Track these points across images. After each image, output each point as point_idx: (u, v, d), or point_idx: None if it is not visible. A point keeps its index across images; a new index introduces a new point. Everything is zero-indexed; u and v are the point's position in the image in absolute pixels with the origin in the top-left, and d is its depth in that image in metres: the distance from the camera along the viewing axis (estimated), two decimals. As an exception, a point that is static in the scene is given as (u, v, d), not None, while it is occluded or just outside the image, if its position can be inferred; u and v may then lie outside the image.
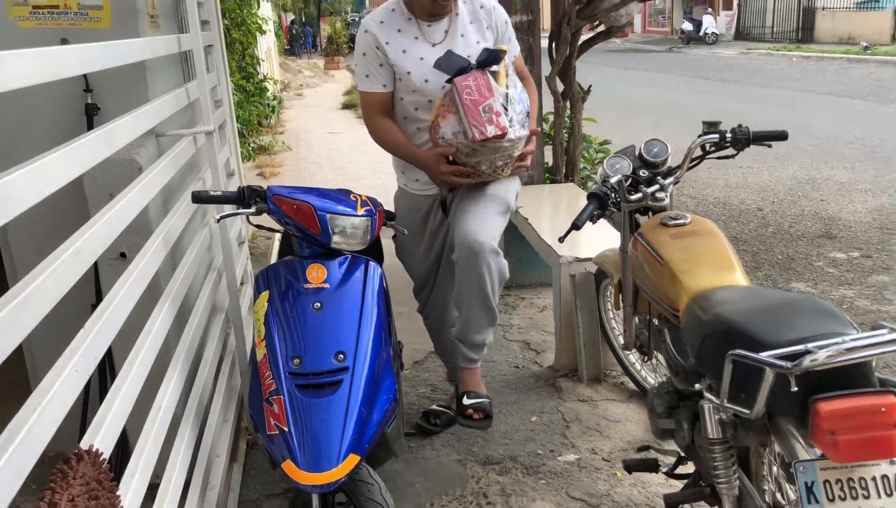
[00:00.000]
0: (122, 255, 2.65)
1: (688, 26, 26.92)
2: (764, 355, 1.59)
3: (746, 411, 1.67)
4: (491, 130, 2.34)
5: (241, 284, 3.75)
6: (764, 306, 1.87)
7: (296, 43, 35.56)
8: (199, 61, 2.92)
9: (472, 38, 2.66)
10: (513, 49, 2.72)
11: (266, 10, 14.88)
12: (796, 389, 1.52)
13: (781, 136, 2.73)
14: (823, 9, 24.10)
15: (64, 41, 2.72)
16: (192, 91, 2.97)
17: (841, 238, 5.43)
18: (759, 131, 2.74)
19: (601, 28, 5.40)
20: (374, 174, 8.51)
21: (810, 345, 1.57)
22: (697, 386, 2.00)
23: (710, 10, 27.99)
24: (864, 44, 19.85)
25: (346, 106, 15.06)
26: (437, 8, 2.58)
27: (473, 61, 2.50)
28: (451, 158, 2.52)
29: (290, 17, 39.17)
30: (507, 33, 2.74)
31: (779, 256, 5.16)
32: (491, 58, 2.43)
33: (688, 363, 2.15)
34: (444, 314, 3.05)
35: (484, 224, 2.56)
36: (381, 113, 2.70)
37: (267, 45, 14.54)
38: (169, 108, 2.75)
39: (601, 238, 3.50)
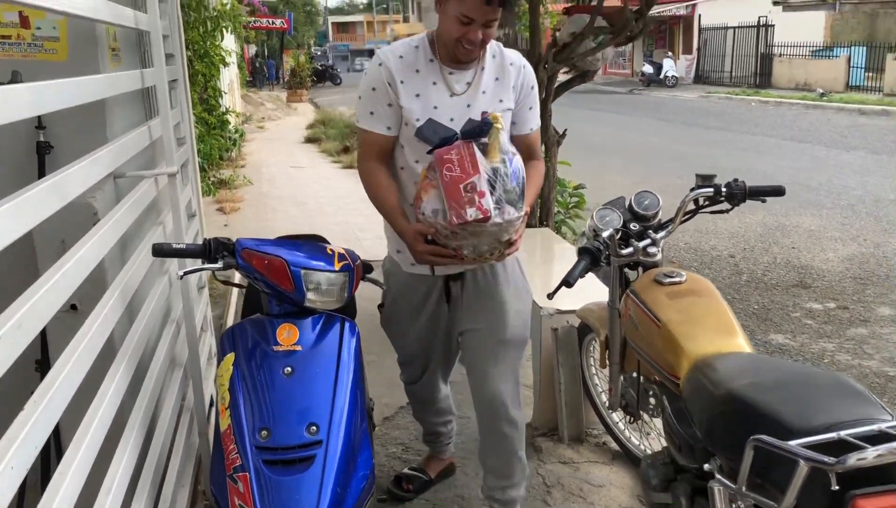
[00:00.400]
0: (73, 307, 2.42)
1: (648, 69, 27.37)
2: (795, 444, 1.44)
3: (772, 503, 1.51)
4: (471, 214, 1.97)
5: (202, 330, 3.52)
6: (783, 382, 1.72)
7: (258, 75, 35.37)
8: (164, 98, 2.72)
9: (494, 95, 2.34)
10: (529, 121, 2.44)
11: (229, 42, 14.69)
12: (837, 488, 1.36)
13: (778, 191, 2.62)
14: (780, 55, 24.69)
15: (15, 74, 2.50)
16: (154, 129, 2.77)
17: (816, 288, 5.38)
18: (756, 187, 2.63)
19: (574, 72, 5.33)
20: (338, 210, 8.32)
21: (845, 433, 1.43)
22: (707, 466, 1.84)
23: (669, 53, 28.51)
24: (820, 90, 20.33)
25: (308, 140, 14.87)
26: (461, 54, 2.25)
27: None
28: (430, 237, 2.14)
29: (253, 49, 39.03)
30: (529, 100, 2.41)
31: (755, 305, 5.07)
32: (477, 129, 2.08)
33: (692, 438, 1.99)
34: (432, 393, 2.86)
35: (504, 380, 2.45)
36: (377, 159, 2.38)
37: (229, 78, 14.34)
38: (130, 148, 2.55)
39: (585, 290, 3.36)
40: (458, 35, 2.16)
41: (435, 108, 2.28)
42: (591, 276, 3.56)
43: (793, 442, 1.44)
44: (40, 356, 2.48)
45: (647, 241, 2.60)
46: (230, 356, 2.09)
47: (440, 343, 2.64)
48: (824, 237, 6.66)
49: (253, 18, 28.02)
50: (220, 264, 2.06)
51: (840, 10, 27.73)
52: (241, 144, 12.52)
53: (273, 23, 35.20)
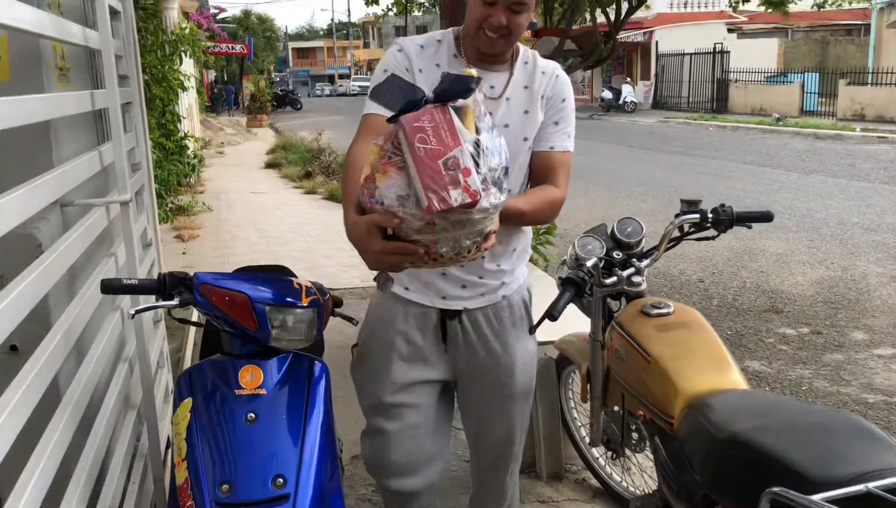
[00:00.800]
0: (13, 348, 2.21)
1: (607, 95, 27.67)
2: (819, 498, 1.30)
3: (791, 562, 1.37)
4: (456, 197, 1.49)
5: (158, 367, 3.31)
6: (791, 423, 1.60)
7: (218, 100, 35.03)
8: (116, 121, 2.54)
9: (519, 104, 2.01)
10: (551, 137, 2.03)
11: (188, 67, 14.45)
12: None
13: (766, 217, 2.52)
14: (736, 81, 25.14)
15: (-50, 94, 2.31)
16: (106, 154, 2.57)
17: (788, 313, 5.33)
18: (743, 212, 2.53)
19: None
20: (300, 237, 8.12)
21: (872, 485, 1.30)
22: (711, 516, 1.70)
23: (628, 79, 28.88)
24: (776, 115, 20.69)
25: (269, 165, 14.65)
26: (484, 45, 1.92)
27: (514, 133, 1.94)
28: (390, 231, 1.55)
29: (213, 74, 38.69)
30: (556, 113, 2.04)
31: (728, 331, 4.99)
32: (455, 87, 1.57)
33: (692, 483, 1.85)
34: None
35: (510, 437, 2.27)
36: (372, 138, 1.90)
37: (188, 102, 14.09)
38: (78, 174, 2.35)
39: (563, 320, 3.22)
40: (480, 18, 1.89)
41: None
42: (571, 307, 3.44)
43: (816, 497, 1.30)
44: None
45: (632, 270, 2.49)
46: (187, 402, 1.90)
47: (427, 398, 2.16)
48: (792, 261, 6.65)
49: (213, 44, 27.83)
50: (175, 302, 1.88)
51: (792, 37, 28.43)
52: (201, 170, 12.26)
53: (233, 48, 34.97)
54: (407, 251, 1.55)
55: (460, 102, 1.57)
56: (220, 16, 37.72)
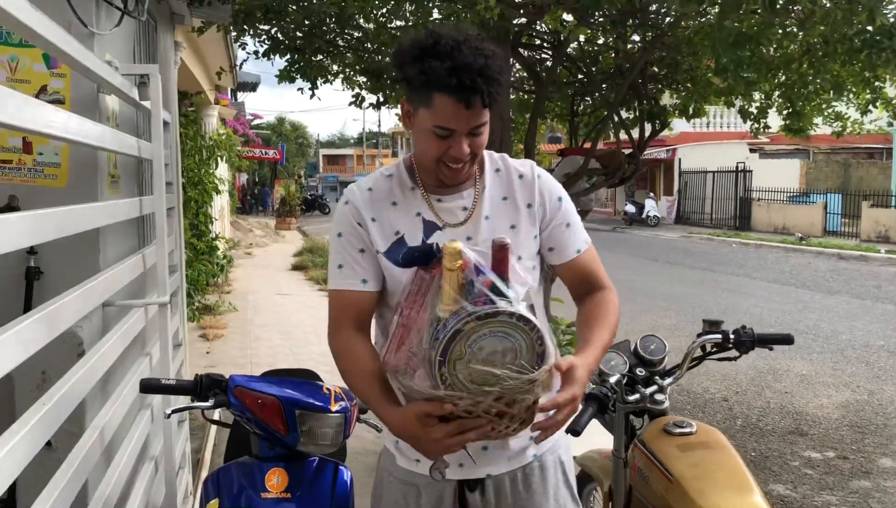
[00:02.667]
0: (48, 444, 2.27)
1: (631, 208, 28.02)
2: None
3: None
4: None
5: (179, 468, 3.32)
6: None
7: (255, 202, 36.10)
8: (161, 226, 2.68)
9: (501, 221, 1.76)
10: (571, 241, 1.82)
11: (223, 170, 14.95)
12: None
13: (787, 339, 2.56)
14: (759, 200, 25.40)
15: (12, 198, 2.45)
16: (149, 257, 2.70)
17: (813, 436, 5.24)
18: (764, 334, 2.57)
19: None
20: (322, 340, 8.15)
21: None
22: None
23: (651, 194, 29.29)
24: (799, 235, 20.79)
25: (296, 267, 14.87)
26: (448, 176, 1.71)
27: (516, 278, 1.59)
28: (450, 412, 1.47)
29: (244, 176, 39.82)
30: (561, 214, 1.81)
31: (752, 452, 4.92)
32: (418, 257, 1.57)
33: None
34: None
35: None
36: (354, 325, 1.76)
37: (220, 204, 14.49)
38: (123, 278, 2.47)
39: (585, 436, 3.22)
40: (437, 153, 1.66)
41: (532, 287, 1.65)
42: (593, 422, 3.44)
43: None
44: (6, 496, 2.30)
45: (654, 387, 2.52)
46: (214, 503, 1.94)
47: None
48: (817, 383, 6.58)
49: (247, 149, 28.79)
50: (210, 403, 1.94)
51: (814, 158, 28.86)
52: (229, 270, 12.49)
53: (266, 153, 36.08)
54: (472, 428, 1.48)
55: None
56: (256, 122, 39.10)
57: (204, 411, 2.00)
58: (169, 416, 1.99)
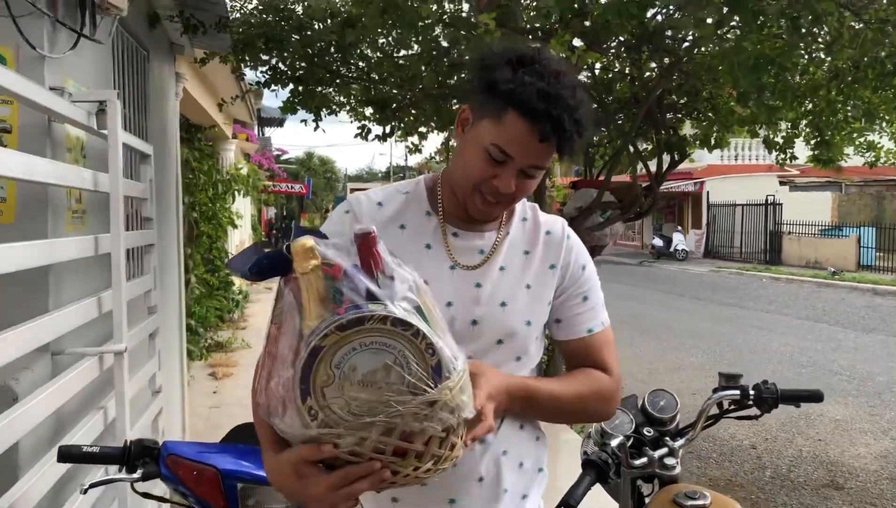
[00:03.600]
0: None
1: (658, 242, 27.58)
2: None
3: None
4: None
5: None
6: None
7: (283, 236, 36.21)
8: (118, 267, 2.44)
9: (519, 277, 1.53)
10: (585, 318, 1.57)
11: (244, 205, 14.87)
12: None
13: (815, 397, 2.25)
14: (789, 233, 24.85)
15: (-53, 235, 2.25)
16: (105, 301, 2.47)
17: (849, 489, 4.86)
18: (789, 391, 2.26)
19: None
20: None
21: None
22: None
23: (679, 228, 28.84)
24: (832, 269, 20.23)
25: (315, 303, 14.67)
26: (477, 210, 1.48)
27: (513, 315, 1.48)
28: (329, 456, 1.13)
29: (272, 210, 40.01)
30: (580, 286, 1.57)
31: (782, 507, 4.55)
32: (267, 265, 1.21)
33: None
34: None
35: None
36: None
37: (241, 238, 14.37)
38: (70, 322, 2.25)
39: (588, 502, 2.91)
40: (479, 177, 1.42)
41: (424, 283, 1.35)
42: (597, 487, 3.13)
43: None
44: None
45: (664, 450, 2.21)
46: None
47: None
48: (853, 429, 6.17)
49: (272, 183, 28.89)
50: (138, 475, 1.68)
51: (846, 191, 28.24)
52: (245, 306, 12.31)
53: (292, 187, 36.24)
54: (363, 474, 1.12)
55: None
56: (284, 157, 39.41)
57: (133, 483, 1.74)
58: (86, 491, 1.74)
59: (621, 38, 4.22)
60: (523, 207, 1.62)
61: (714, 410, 2.31)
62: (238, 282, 11.78)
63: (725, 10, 3.16)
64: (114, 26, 2.68)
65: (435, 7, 3.84)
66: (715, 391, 2.30)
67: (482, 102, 1.41)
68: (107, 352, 2.42)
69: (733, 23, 3.37)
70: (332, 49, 4.69)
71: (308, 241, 1.15)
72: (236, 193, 10.80)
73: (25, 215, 2.33)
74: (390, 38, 4.55)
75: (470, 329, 1.46)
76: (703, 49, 4.02)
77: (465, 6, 4.39)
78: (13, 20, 2.15)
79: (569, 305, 1.57)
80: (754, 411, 2.29)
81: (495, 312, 1.48)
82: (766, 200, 25.58)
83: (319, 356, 1.08)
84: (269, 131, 28.47)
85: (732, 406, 2.31)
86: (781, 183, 27.23)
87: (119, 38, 3.50)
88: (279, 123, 24.47)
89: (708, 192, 28.43)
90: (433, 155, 7.27)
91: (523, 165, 1.39)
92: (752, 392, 2.26)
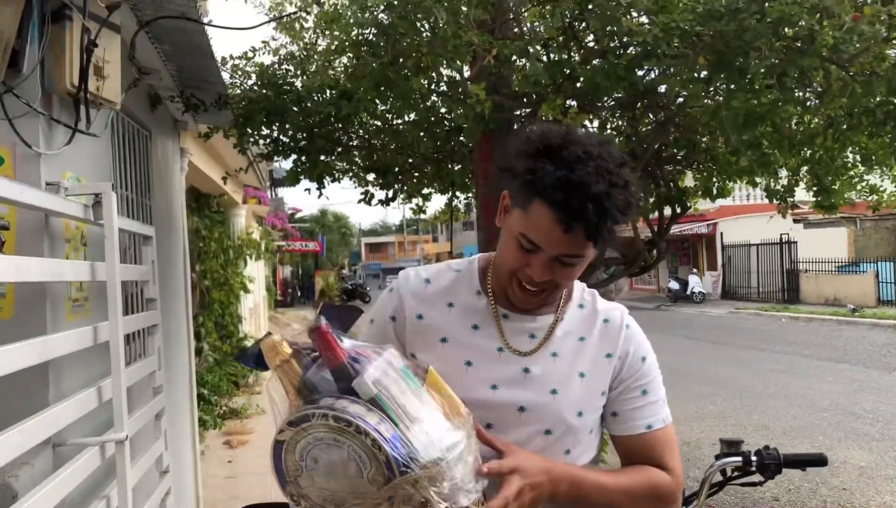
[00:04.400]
0: None
1: (675, 285, 27.43)
2: None
3: None
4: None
5: None
6: None
7: (300, 294, 36.51)
8: (116, 355, 2.46)
9: (572, 364, 1.48)
10: (642, 413, 1.50)
11: (256, 268, 14.98)
12: None
13: (819, 460, 2.23)
14: (806, 271, 24.68)
15: (-51, 334, 2.28)
16: (105, 390, 2.49)
17: (876, 541, 4.74)
18: (791, 455, 2.24)
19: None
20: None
21: None
22: None
23: (695, 270, 28.71)
24: (852, 306, 20.00)
25: (331, 363, 14.65)
26: (516, 297, 1.46)
27: (564, 403, 1.43)
28: None
29: (288, 269, 40.25)
30: (646, 377, 1.53)
31: (807, 564, 4.44)
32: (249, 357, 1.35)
33: None
34: None
35: None
36: None
37: (254, 301, 14.44)
38: (70, 414, 2.26)
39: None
40: (514, 265, 1.41)
41: (468, 364, 1.45)
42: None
43: None
44: None
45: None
46: None
47: None
48: (878, 476, 6.04)
49: (286, 243, 29.12)
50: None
51: (861, 226, 28.08)
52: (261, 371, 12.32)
53: (306, 246, 36.50)
54: None
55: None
56: (298, 215, 39.74)
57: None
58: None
59: (615, 97, 4.27)
60: (581, 293, 1.58)
61: (717, 477, 2.28)
62: (252, 346, 11.81)
63: (711, 70, 3.21)
64: (109, 118, 2.75)
65: (426, 81, 3.91)
66: (717, 457, 2.29)
67: (515, 190, 1.40)
68: (108, 441, 2.42)
69: (721, 81, 3.41)
70: (332, 119, 4.77)
71: (274, 338, 1.25)
72: (248, 257, 10.91)
73: (24, 309, 2.36)
74: (386, 108, 4.63)
75: (516, 416, 1.42)
76: (695, 105, 4.06)
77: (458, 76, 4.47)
78: (9, 122, 2.22)
79: (626, 398, 1.50)
80: (758, 477, 2.26)
81: (544, 399, 1.43)
82: (781, 238, 25.45)
83: (283, 448, 1.18)
84: (282, 191, 28.85)
85: (736, 473, 2.29)
86: (795, 221, 27.10)
87: (119, 122, 3.59)
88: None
89: (721, 233, 28.35)
90: (439, 214, 7.33)
91: (554, 253, 1.36)
92: (754, 459, 2.24)
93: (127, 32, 3.06)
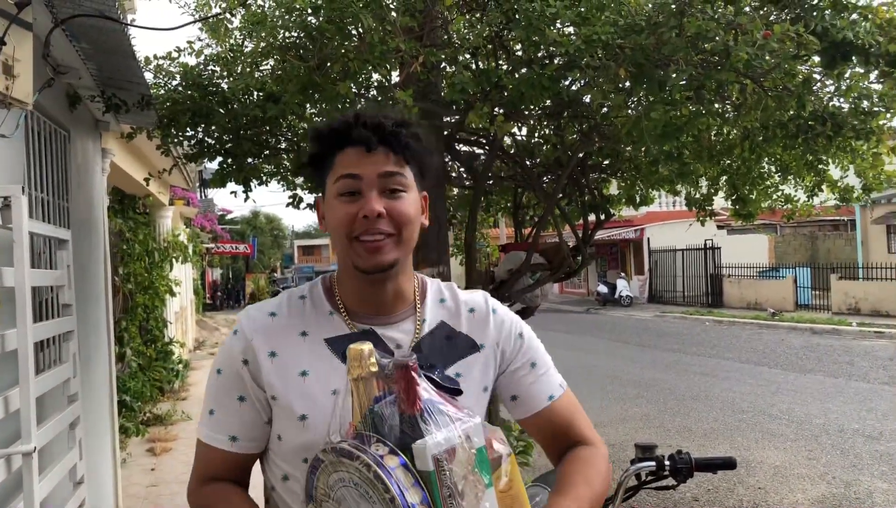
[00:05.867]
0: None
1: (603, 289, 27.94)
2: None
3: None
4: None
5: None
6: None
7: (228, 298, 35.79)
8: (24, 363, 2.38)
9: (443, 366, 1.39)
10: (541, 385, 1.47)
11: (184, 270, 14.65)
12: None
13: (729, 464, 2.29)
14: (729, 276, 25.44)
15: None
16: (12, 400, 2.40)
17: (788, 539, 4.91)
18: (703, 459, 2.30)
19: (517, 306, 5.15)
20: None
21: None
22: None
23: (623, 274, 29.29)
24: (772, 310, 20.70)
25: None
26: (366, 258, 1.33)
27: (443, 422, 1.15)
28: None
29: (218, 271, 39.47)
30: (529, 352, 1.49)
31: (723, 561, 4.57)
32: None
33: None
34: None
35: None
36: (212, 478, 1.41)
37: (180, 305, 14.11)
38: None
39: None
40: (346, 220, 1.32)
41: (335, 393, 1.29)
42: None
43: None
44: None
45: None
46: None
47: None
48: (791, 475, 6.26)
49: (215, 245, 28.55)
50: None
51: (781, 232, 29.14)
52: (186, 375, 12.04)
53: (237, 248, 35.86)
54: None
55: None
56: (229, 217, 39.10)
57: None
58: None
59: (541, 106, 4.33)
60: (437, 287, 1.50)
61: (632, 482, 2.33)
62: (178, 351, 11.54)
63: (632, 81, 3.29)
64: (21, 118, 2.66)
65: (354, 86, 3.90)
66: (633, 462, 2.33)
67: (318, 180, 1.41)
68: (14, 453, 2.34)
69: (642, 93, 3.50)
70: (259, 122, 4.72)
71: (365, 346, 1.12)
72: (174, 260, 10.66)
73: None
74: (314, 112, 4.59)
75: None
76: (618, 115, 4.15)
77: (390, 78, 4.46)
78: None
79: (518, 377, 1.46)
80: (671, 481, 2.32)
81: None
82: (705, 244, 26.18)
83: (320, 468, 1.12)
84: (212, 193, 28.29)
85: (650, 477, 2.34)
86: (719, 227, 27.95)
87: (34, 122, 3.47)
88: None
89: (649, 238, 29.01)
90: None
91: (373, 177, 1.31)
92: (667, 463, 2.29)
93: (41, 30, 2.96)
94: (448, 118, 4.46)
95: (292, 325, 1.39)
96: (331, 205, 1.35)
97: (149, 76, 4.57)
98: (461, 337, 1.44)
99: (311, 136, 1.40)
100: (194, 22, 4.74)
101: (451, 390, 1.21)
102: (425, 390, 1.12)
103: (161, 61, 4.75)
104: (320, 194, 1.43)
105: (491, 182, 4.96)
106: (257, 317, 1.40)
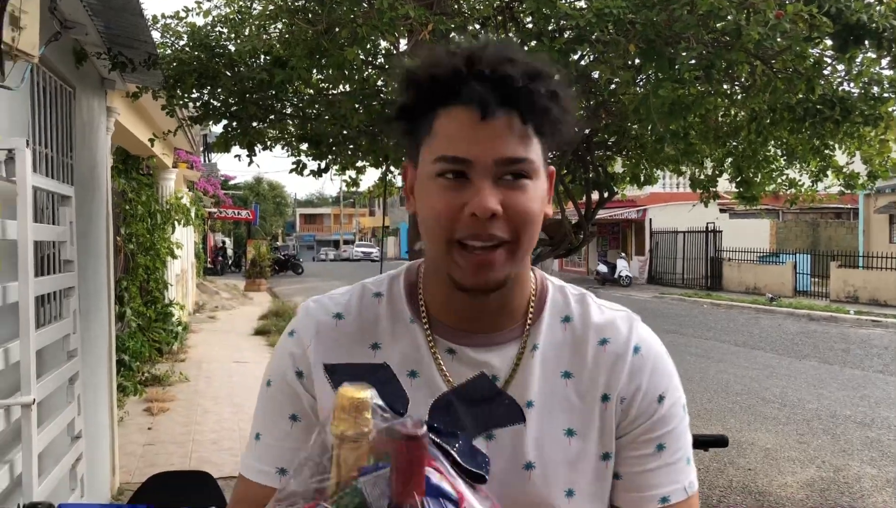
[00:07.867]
0: None
1: (603, 268, 27.98)
2: None
3: None
4: None
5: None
6: None
7: (230, 263, 35.95)
8: (26, 316, 2.40)
9: (555, 416, 1.02)
10: (669, 473, 1.02)
11: (185, 233, 14.67)
12: None
13: (721, 441, 2.33)
14: (729, 260, 25.46)
15: None
16: (12, 352, 2.42)
17: (775, 520, 4.97)
18: (695, 435, 2.30)
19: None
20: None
21: None
22: None
23: (623, 254, 29.32)
24: (770, 295, 20.74)
25: (259, 331, 14.49)
26: (470, 274, 0.96)
27: (545, 480, 0.98)
28: None
29: (220, 236, 39.52)
30: (655, 425, 1.03)
31: (711, 539, 4.63)
32: None
33: None
34: None
35: None
36: None
37: (181, 267, 14.15)
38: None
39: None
40: (446, 216, 0.94)
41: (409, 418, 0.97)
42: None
43: None
44: None
45: None
46: None
47: None
48: (781, 458, 6.31)
49: (217, 209, 28.53)
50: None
51: (783, 218, 29.10)
52: (185, 337, 12.11)
53: (239, 214, 35.83)
54: None
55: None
56: (232, 182, 38.99)
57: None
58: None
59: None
60: (562, 299, 1.08)
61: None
62: (178, 313, 11.59)
63: (641, 57, 3.27)
64: (26, 71, 2.65)
65: (361, 52, 3.88)
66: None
67: (408, 145, 1.03)
68: (14, 404, 2.36)
69: (651, 70, 3.48)
70: (265, 86, 4.70)
71: (364, 396, 0.79)
72: (176, 222, 10.66)
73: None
74: (321, 77, 4.58)
75: None
76: (626, 92, 4.13)
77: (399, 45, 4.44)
78: (-84, 69, 2.12)
79: (634, 455, 1.03)
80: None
81: (515, 477, 0.99)
82: (707, 227, 26.16)
83: None
84: (216, 158, 28.20)
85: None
86: (722, 210, 27.90)
87: (40, 77, 3.46)
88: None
89: (650, 219, 28.99)
90: (373, 187, 7.29)
91: (488, 163, 0.92)
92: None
93: (49, -17, 2.95)
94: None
95: (362, 333, 1.06)
96: (425, 187, 0.98)
97: (156, 35, 4.55)
98: (582, 379, 1.03)
99: (405, 82, 1.00)
100: (203, -18, 4.71)
101: (474, 474, 0.85)
102: (437, 470, 0.79)
103: (169, 21, 4.73)
104: (406, 164, 1.06)
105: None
106: (319, 316, 1.08)
